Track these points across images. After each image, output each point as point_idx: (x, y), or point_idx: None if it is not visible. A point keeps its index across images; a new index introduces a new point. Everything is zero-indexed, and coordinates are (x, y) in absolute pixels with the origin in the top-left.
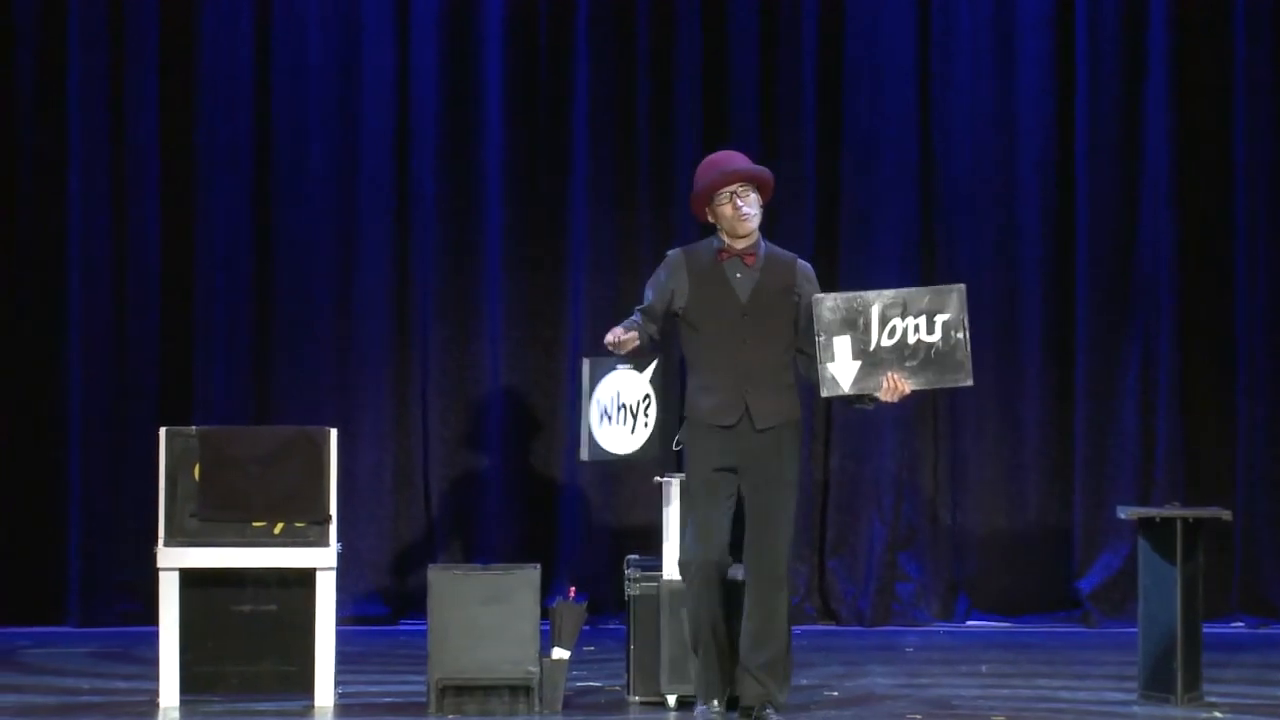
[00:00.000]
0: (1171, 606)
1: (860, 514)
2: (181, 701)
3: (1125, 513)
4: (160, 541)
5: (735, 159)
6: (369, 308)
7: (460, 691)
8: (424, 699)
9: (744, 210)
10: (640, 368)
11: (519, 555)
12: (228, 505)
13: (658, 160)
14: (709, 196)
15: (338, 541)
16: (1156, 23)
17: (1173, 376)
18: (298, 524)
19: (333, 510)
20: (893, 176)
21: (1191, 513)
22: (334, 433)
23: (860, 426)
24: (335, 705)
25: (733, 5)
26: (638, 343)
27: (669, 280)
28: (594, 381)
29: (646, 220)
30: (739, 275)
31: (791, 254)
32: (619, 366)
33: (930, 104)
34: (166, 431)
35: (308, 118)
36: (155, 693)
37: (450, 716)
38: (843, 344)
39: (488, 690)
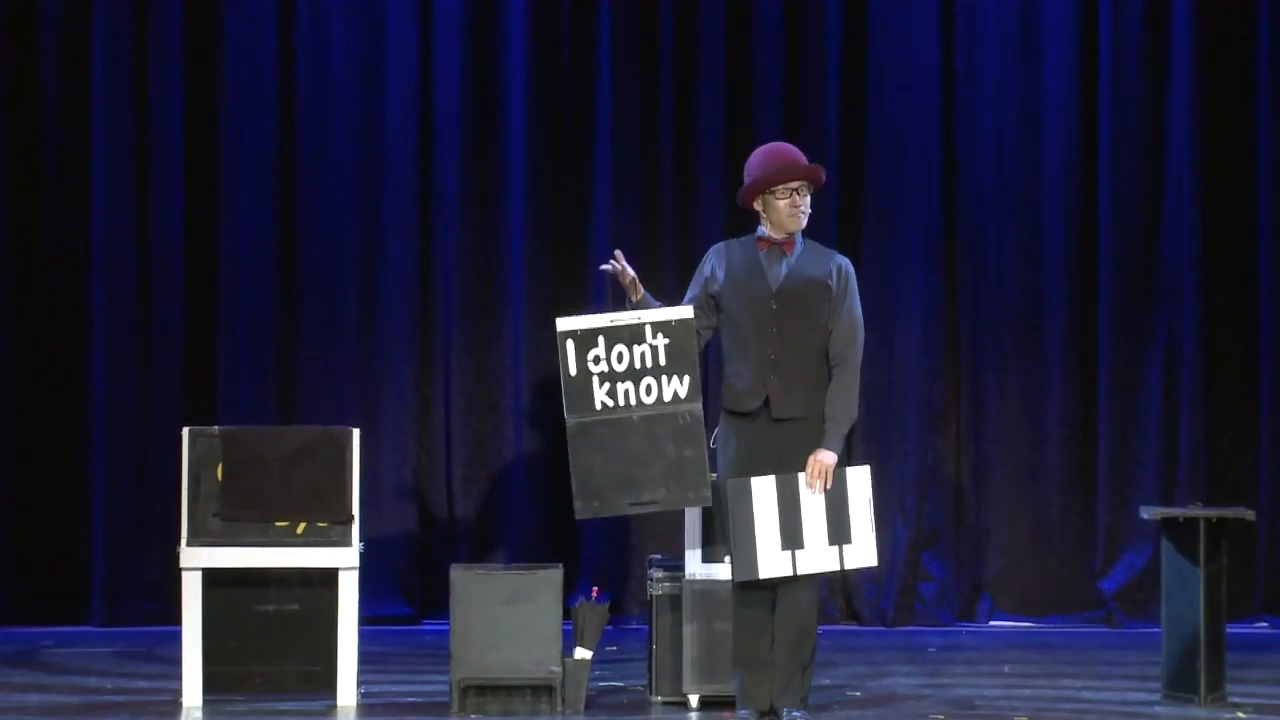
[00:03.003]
0: (1195, 607)
1: (883, 514)
2: (204, 701)
3: (1148, 513)
4: (183, 541)
5: (796, 154)
6: (392, 308)
7: (483, 691)
8: (446, 699)
9: (801, 209)
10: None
11: (541, 555)
12: (251, 505)
13: (681, 160)
14: (767, 188)
15: (360, 541)
16: (1180, 21)
17: (1196, 376)
18: (320, 524)
19: (355, 510)
20: (916, 175)
21: (1215, 513)
22: (357, 433)
23: (883, 427)
24: (358, 705)
25: (756, 4)
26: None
27: (708, 265)
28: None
29: (670, 220)
30: (774, 264)
31: (832, 250)
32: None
33: (954, 103)
34: (190, 431)
35: (331, 119)
36: (178, 692)
37: (473, 716)
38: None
39: (510, 690)
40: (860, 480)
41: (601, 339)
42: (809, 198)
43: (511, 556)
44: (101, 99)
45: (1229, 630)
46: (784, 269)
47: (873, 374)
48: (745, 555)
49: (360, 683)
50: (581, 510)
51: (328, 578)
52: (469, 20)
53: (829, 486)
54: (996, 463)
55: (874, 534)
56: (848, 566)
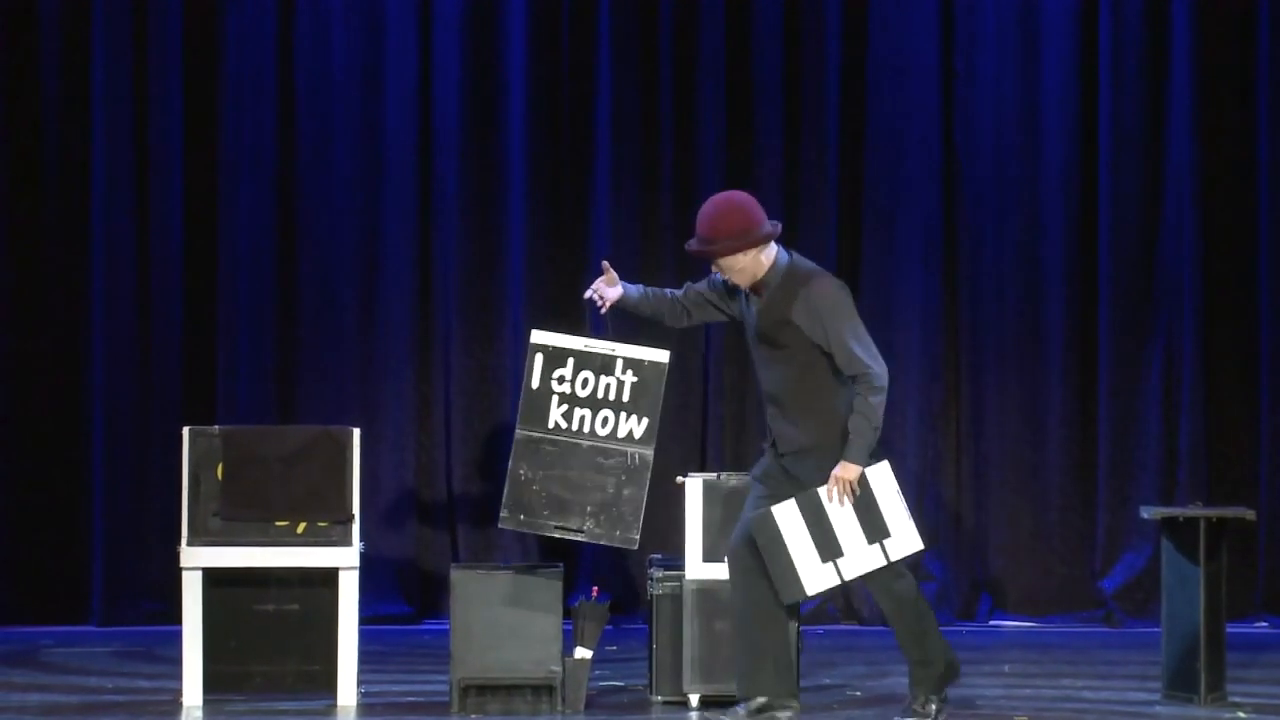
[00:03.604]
0: (1195, 606)
1: None
2: (204, 701)
3: (1148, 512)
4: (183, 541)
5: (697, 224)
6: (392, 308)
7: (483, 691)
8: (447, 699)
9: (726, 278)
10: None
11: (541, 555)
12: (251, 504)
13: (681, 160)
14: None
15: (360, 541)
16: (1179, 20)
17: (1196, 375)
18: (321, 523)
19: (355, 510)
20: (916, 175)
21: (1215, 512)
22: (357, 432)
23: (883, 427)
24: (358, 705)
25: (756, 4)
26: (620, 294)
27: (725, 286)
28: None
29: (669, 221)
30: (751, 306)
31: (807, 276)
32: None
33: (954, 103)
34: (190, 431)
35: (331, 119)
36: (178, 692)
37: (473, 716)
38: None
39: (510, 690)
40: (881, 476)
41: (571, 361)
42: (727, 263)
43: (511, 556)
44: (101, 99)
45: (1229, 630)
46: (755, 311)
47: None
48: (788, 578)
49: (360, 682)
50: (505, 520)
51: (328, 577)
52: (468, 20)
53: (855, 496)
54: (996, 462)
55: (911, 520)
56: (894, 558)
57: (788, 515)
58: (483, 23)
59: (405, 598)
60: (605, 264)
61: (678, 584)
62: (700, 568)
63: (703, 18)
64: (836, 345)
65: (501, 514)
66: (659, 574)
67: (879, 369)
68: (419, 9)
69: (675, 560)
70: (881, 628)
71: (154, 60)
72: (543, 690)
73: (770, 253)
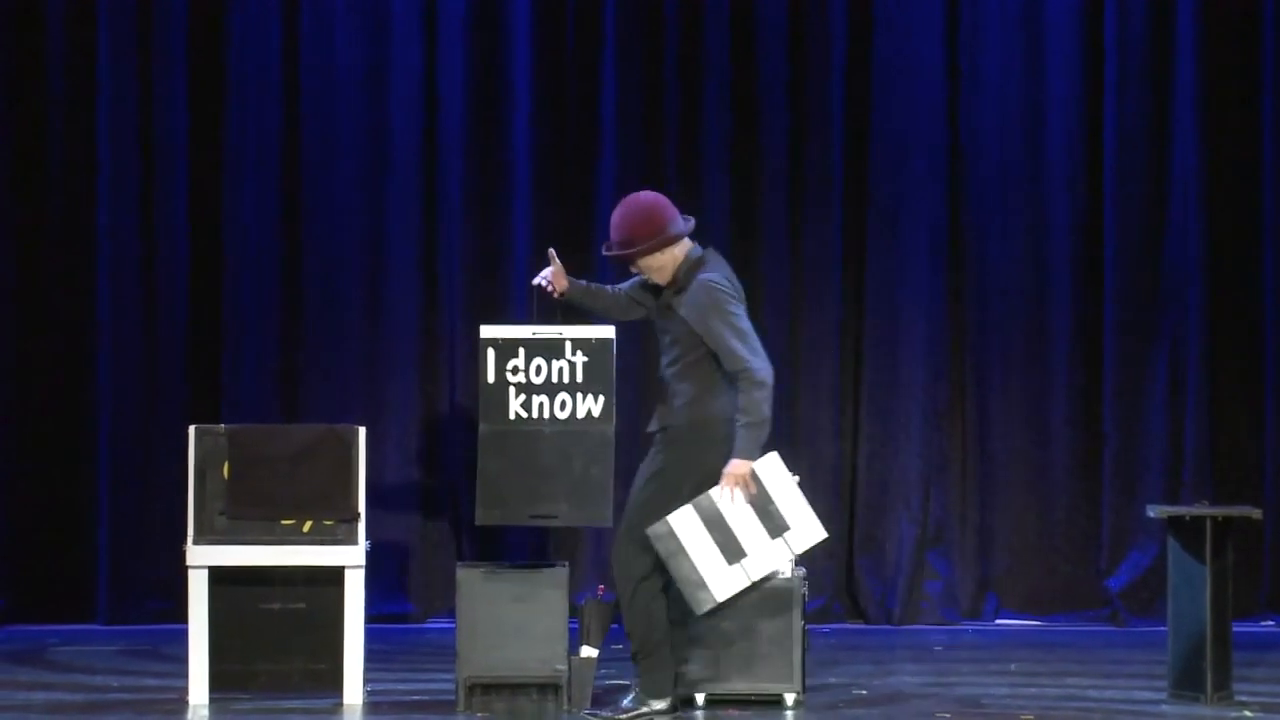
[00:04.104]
0: (1201, 605)
1: (888, 513)
2: (210, 699)
3: (1154, 511)
4: (189, 539)
5: (612, 228)
6: (397, 307)
7: (489, 690)
8: (453, 697)
9: (643, 277)
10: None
11: (547, 553)
12: (257, 503)
13: (686, 159)
14: None
15: (366, 539)
16: (1184, 20)
17: (1201, 375)
18: (326, 522)
19: (361, 508)
20: (921, 175)
21: (1221, 511)
22: (362, 431)
23: (889, 426)
24: (364, 703)
25: (761, 3)
26: (557, 291)
27: (644, 283)
28: None
29: None
30: (658, 296)
31: (700, 277)
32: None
33: (959, 103)
34: (196, 430)
35: (336, 117)
36: (184, 690)
37: (479, 715)
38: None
39: (516, 688)
40: (773, 468)
41: (522, 350)
42: (645, 263)
43: (517, 555)
44: (106, 98)
45: (1235, 629)
46: (660, 300)
47: (877, 372)
48: (696, 588)
49: (366, 681)
50: (482, 516)
51: (333, 576)
52: (473, 18)
53: (751, 491)
54: (1002, 462)
55: (810, 510)
56: (798, 550)
57: (686, 523)
58: (487, 22)
59: (411, 597)
60: (552, 252)
61: None
62: None
63: (707, 17)
64: (715, 342)
65: (478, 511)
66: None
67: (759, 364)
68: (423, 8)
69: None
70: (887, 626)
71: (158, 60)
72: (548, 689)
73: (683, 249)
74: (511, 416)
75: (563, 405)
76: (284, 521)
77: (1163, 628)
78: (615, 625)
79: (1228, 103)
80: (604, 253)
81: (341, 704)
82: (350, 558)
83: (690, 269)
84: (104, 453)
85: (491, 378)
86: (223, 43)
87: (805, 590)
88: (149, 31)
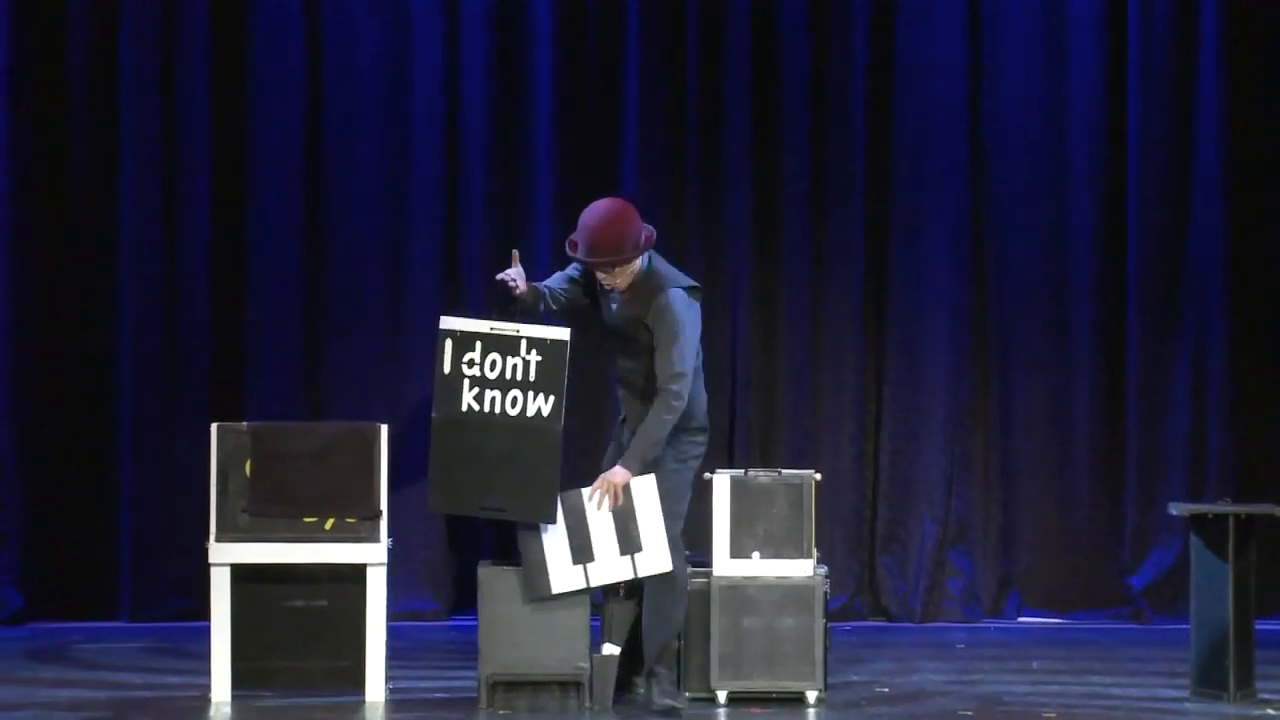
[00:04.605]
0: (1223, 603)
1: (911, 511)
2: (233, 697)
3: (1177, 509)
4: (212, 537)
5: (592, 234)
6: (419, 304)
7: (511, 687)
8: (475, 695)
9: (607, 281)
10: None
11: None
12: (279, 501)
13: (707, 157)
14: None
15: (388, 537)
16: (1208, 18)
17: (1224, 373)
18: (349, 519)
19: (383, 506)
20: (943, 174)
21: (1243, 509)
22: (384, 429)
23: (911, 424)
24: (386, 701)
25: (782, 2)
26: (520, 289)
27: (580, 276)
28: None
29: (696, 216)
30: (613, 305)
31: (662, 284)
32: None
33: (981, 101)
34: (218, 427)
35: (358, 115)
36: (206, 688)
37: (501, 712)
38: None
39: (538, 686)
40: (646, 490)
41: (479, 344)
42: (620, 269)
43: None
44: (129, 95)
45: (1258, 627)
46: (615, 309)
47: (899, 371)
48: (537, 574)
49: (389, 679)
50: (435, 504)
51: (356, 573)
52: (495, 14)
53: (617, 503)
54: (1024, 459)
55: (665, 540)
56: (640, 574)
57: None
58: (509, 18)
59: (433, 594)
60: (515, 253)
61: (705, 580)
62: (728, 564)
63: (729, 16)
64: (659, 353)
65: (429, 499)
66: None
67: (682, 391)
68: (445, 7)
69: (703, 557)
70: (909, 624)
71: (180, 58)
72: (570, 686)
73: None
74: (464, 408)
75: (514, 402)
76: (306, 519)
77: (1185, 626)
78: None
79: (1250, 101)
80: (581, 258)
81: (364, 702)
82: (372, 555)
83: (646, 277)
84: (127, 450)
85: (447, 368)
86: (245, 43)
87: (827, 588)
88: (171, 31)
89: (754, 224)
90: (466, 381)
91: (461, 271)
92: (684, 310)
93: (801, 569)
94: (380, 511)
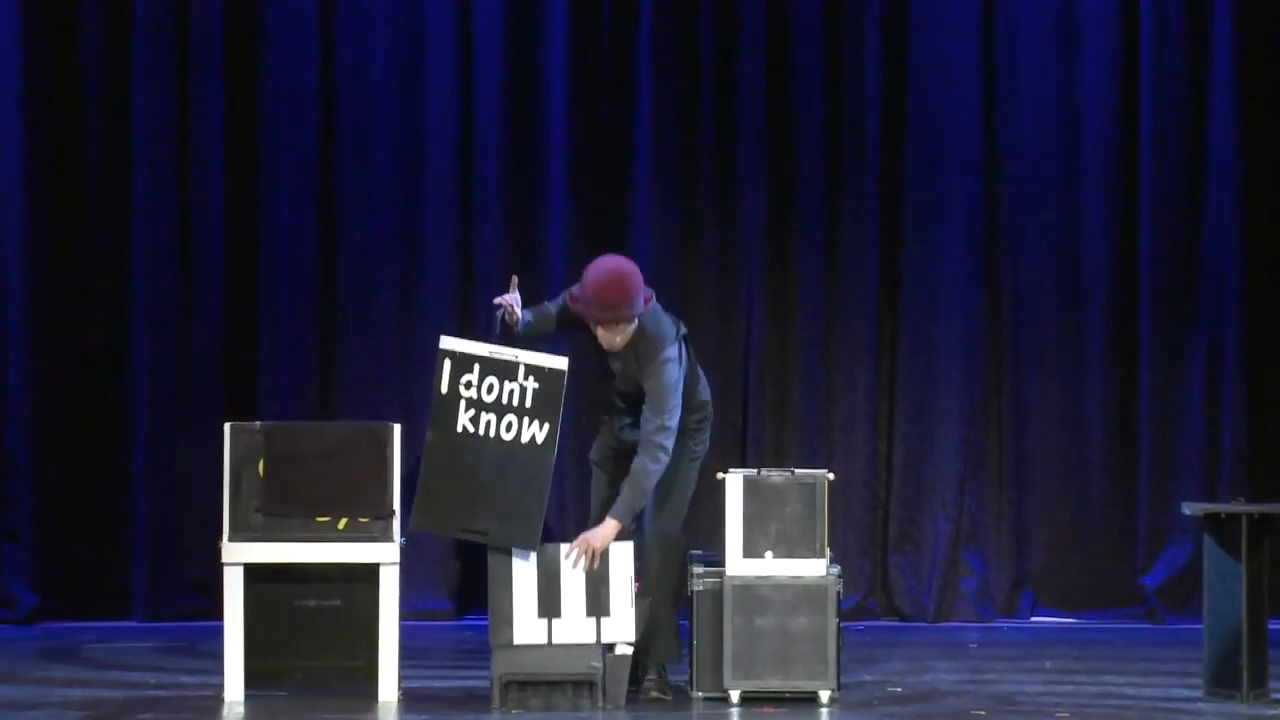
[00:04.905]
0: (1237, 603)
1: (924, 510)
2: (246, 696)
3: (1190, 508)
4: (225, 536)
5: (598, 290)
6: (432, 304)
7: (524, 686)
8: (488, 694)
9: (604, 338)
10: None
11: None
12: (292, 500)
13: (721, 155)
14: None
15: (401, 537)
16: (1221, 14)
17: (1238, 372)
18: (362, 519)
19: (396, 505)
20: (956, 173)
21: (1257, 509)
22: (398, 428)
23: (924, 424)
24: (399, 700)
25: (796, 2)
26: (517, 317)
27: (562, 321)
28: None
29: (710, 216)
30: (615, 363)
31: (652, 348)
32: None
33: (995, 98)
34: (231, 427)
35: (372, 115)
36: (220, 687)
37: (514, 712)
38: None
39: (551, 685)
40: (621, 556)
41: (477, 366)
42: (622, 326)
43: None
44: (143, 99)
45: (1271, 626)
46: (620, 367)
47: (913, 369)
48: (501, 621)
49: (402, 678)
50: (417, 522)
51: (369, 573)
52: (509, 18)
53: (593, 566)
54: (1038, 459)
55: (633, 611)
56: (604, 639)
57: (524, 561)
58: (523, 21)
59: (446, 594)
60: (515, 280)
61: (718, 580)
62: (741, 564)
63: (743, 15)
64: (649, 405)
65: (413, 516)
66: (699, 570)
67: (667, 444)
68: (459, 7)
69: (716, 556)
70: (922, 624)
71: (195, 59)
72: (583, 686)
73: None
74: (458, 429)
75: (509, 427)
76: (319, 518)
77: (1199, 625)
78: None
79: (1265, 100)
80: (582, 311)
81: (377, 701)
82: (385, 555)
83: (641, 337)
84: (140, 450)
85: (445, 389)
86: (259, 42)
87: (840, 588)
88: (186, 32)
89: (767, 223)
90: (463, 403)
91: (475, 271)
92: (674, 371)
93: (814, 568)
94: (393, 511)
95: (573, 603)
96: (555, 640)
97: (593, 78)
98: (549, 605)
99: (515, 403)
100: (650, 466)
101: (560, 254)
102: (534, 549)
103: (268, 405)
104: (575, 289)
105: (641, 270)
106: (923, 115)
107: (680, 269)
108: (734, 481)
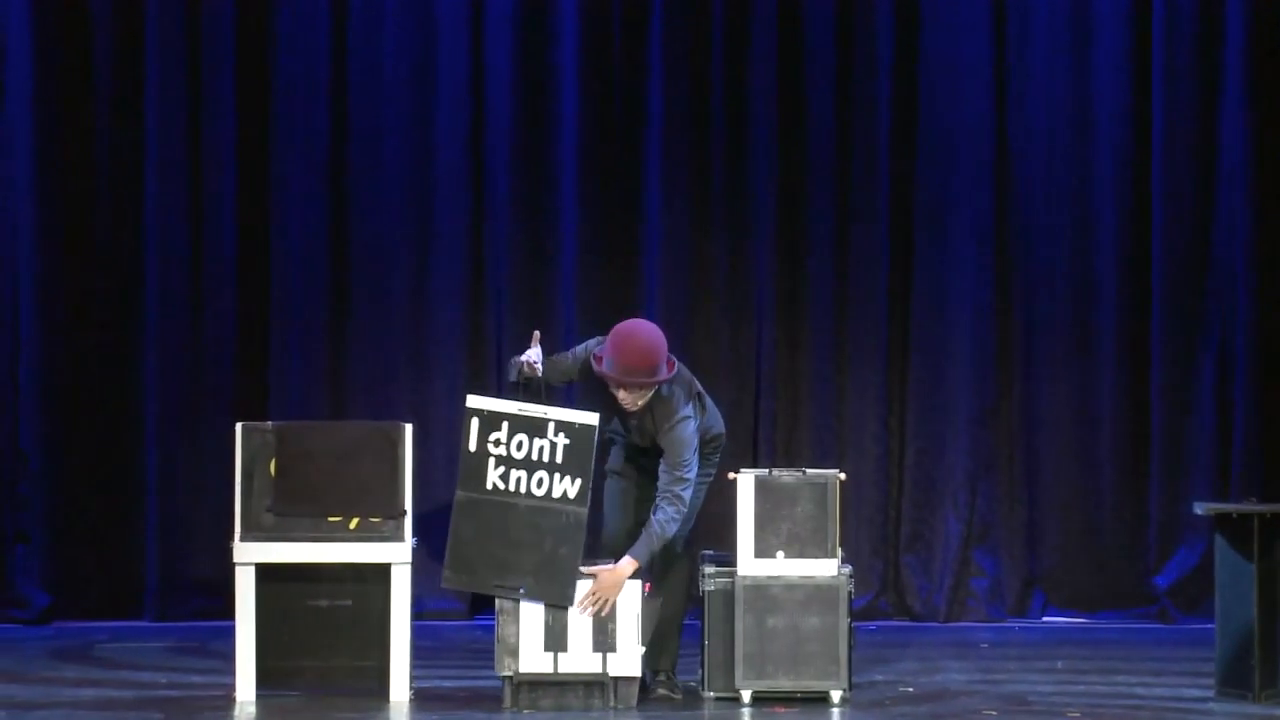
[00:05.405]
0: (1248, 603)
1: (935, 510)
2: (257, 696)
3: (1202, 508)
4: (236, 536)
5: (625, 355)
6: (443, 304)
7: (535, 687)
8: (499, 694)
9: (625, 400)
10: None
11: (593, 551)
12: (303, 500)
13: (733, 157)
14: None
15: (413, 536)
16: (1233, 14)
17: (1249, 372)
18: (373, 519)
19: (408, 505)
20: (967, 173)
21: (1269, 508)
22: (409, 428)
23: (935, 424)
24: (410, 700)
25: (808, 2)
26: (538, 373)
27: (583, 373)
28: None
29: (721, 218)
30: (631, 420)
31: (667, 411)
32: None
33: (1006, 100)
34: (243, 427)
35: (383, 116)
36: (231, 687)
37: (525, 712)
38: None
39: (563, 686)
40: (632, 593)
41: (506, 424)
42: (644, 391)
43: None
44: (155, 97)
45: None
46: (635, 424)
47: (925, 370)
48: (507, 653)
49: (413, 678)
50: (448, 579)
51: (380, 573)
52: (520, 18)
53: (604, 613)
54: (1049, 459)
55: (640, 649)
56: (610, 673)
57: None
58: (535, 21)
59: (457, 594)
60: (536, 335)
61: (730, 580)
62: (752, 564)
63: (754, 15)
64: (668, 458)
65: (444, 574)
66: (711, 570)
67: (685, 495)
68: (471, 7)
69: (727, 556)
70: (934, 623)
71: (207, 59)
72: (594, 686)
73: None
74: (489, 486)
75: (540, 483)
76: (331, 518)
77: (1210, 625)
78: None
79: (1276, 100)
80: (607, 373)
81: (388, 700)
82: (397, 554)
83: (661, 401)
84: (151, 450)
85: (473, 446)
86: (270, 42)
87: (851, 587)
88: (197, 31)
89: (778, 223)
90: (492, 460)
91: (485, 271)
92: (690, 428)
93: (826, 568)
94: (404, 511)
95: (579, 636)
96: (558, 669)
97: (603, 78)
98: (556, 639)
99: (546, 459)
100: (672, 514)
101: (570, 254)
102: (568, 604)
103: (279, 405)
104: (598, 349)
105: (653, 270)
106: (934, 115)
107: (691, 269)
108: (745, 482)
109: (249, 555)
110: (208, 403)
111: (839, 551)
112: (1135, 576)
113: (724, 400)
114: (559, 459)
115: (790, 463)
